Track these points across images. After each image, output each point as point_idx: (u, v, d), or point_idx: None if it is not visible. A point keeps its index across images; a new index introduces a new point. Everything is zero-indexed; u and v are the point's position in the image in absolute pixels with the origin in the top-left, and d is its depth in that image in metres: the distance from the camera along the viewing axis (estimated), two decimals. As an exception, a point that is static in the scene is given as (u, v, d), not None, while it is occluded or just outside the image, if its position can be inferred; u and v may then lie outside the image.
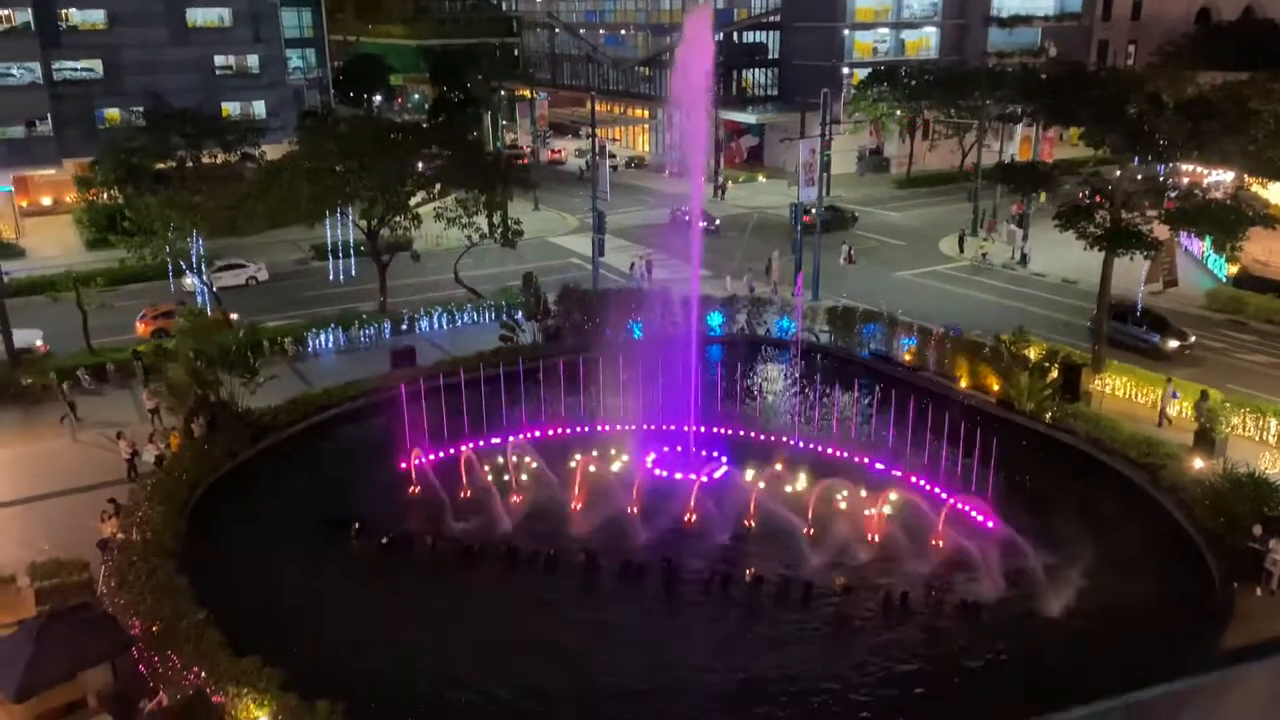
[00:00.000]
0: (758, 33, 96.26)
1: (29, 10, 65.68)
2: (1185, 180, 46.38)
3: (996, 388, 36.35)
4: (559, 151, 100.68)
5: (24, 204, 70.31)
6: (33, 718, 20.62)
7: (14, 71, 66.87)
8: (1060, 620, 24.88)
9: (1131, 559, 27.35)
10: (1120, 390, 37.73)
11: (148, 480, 29.54)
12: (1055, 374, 35.42)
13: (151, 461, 31.30)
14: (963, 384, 37.67)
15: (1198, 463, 30.32)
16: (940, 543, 27.81)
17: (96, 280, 45.78)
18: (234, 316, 43.84)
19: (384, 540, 28.18)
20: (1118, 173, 38.88)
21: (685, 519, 29.17)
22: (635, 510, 29.31)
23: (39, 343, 42.87)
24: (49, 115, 67.65)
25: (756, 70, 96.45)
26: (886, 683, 22.77)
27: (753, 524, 28.88)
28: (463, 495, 30.64)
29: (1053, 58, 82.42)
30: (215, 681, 20.48)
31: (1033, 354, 36.72)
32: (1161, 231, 39.68)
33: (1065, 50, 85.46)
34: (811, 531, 28.29)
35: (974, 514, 28.70)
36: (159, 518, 26.94)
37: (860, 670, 23.17)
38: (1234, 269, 51.75)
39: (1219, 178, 57.08)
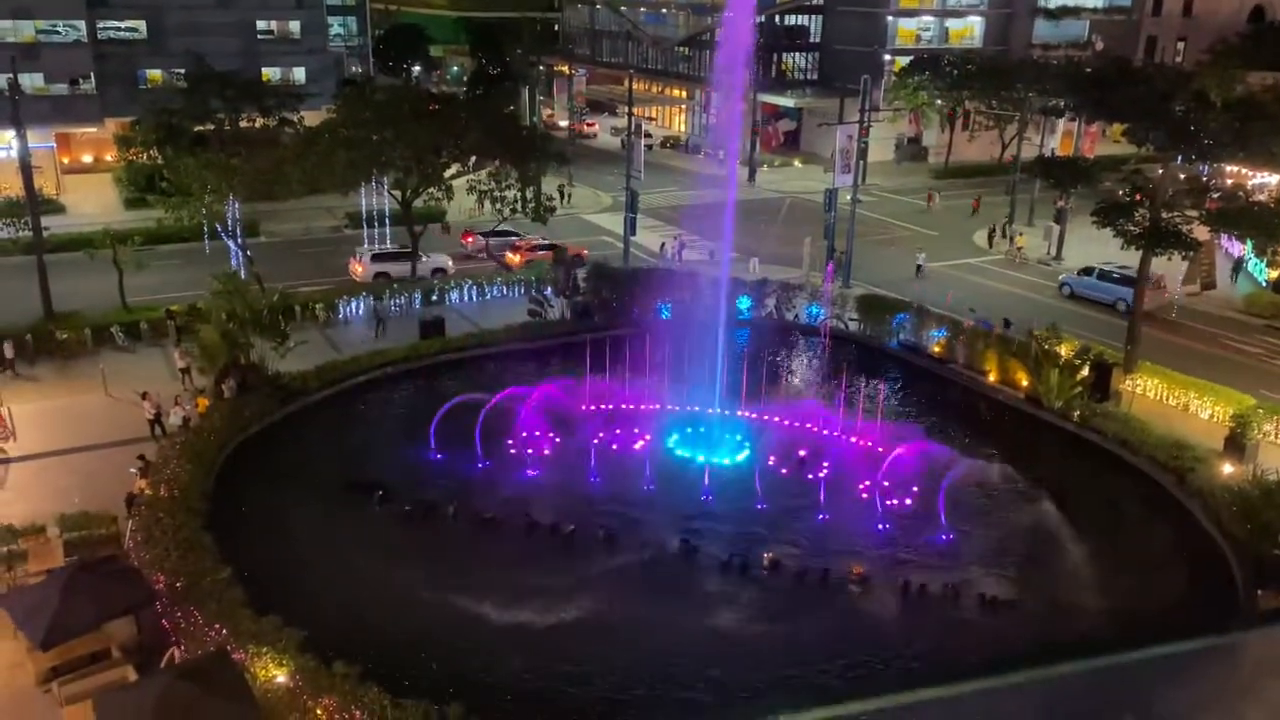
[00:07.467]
0: (799, 16, 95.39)
1: (76, -31, 66.27)
2: (1229, 181, 45.67)
3: (1025, 384, 36.08)
4: (593, 124, 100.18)
5: (65, 161, 71.11)
6: (57, 665, 21.07)
7: (60, 29, 67.47)
8: (1075, 616, 24.79)
9: (1154, 561, 27.15)
10: (1152, 391, 37.31)
11: (177, 439, 29.94)
12: (1086, 372, 35.11)
13: (177, 423, 31.68)
14: (991, 378, 37.40)
15: (1227, 468, 29.99)
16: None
17: (133, 239, 46.16)
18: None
19: (406, 508, 28.56)
20: (1160, 171, 38.31)
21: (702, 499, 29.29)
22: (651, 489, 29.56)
23: (450, 265, 50.44)
24: (92, 74, 68.31)
25: (796, 54, 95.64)
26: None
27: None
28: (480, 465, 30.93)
29: (1099, 51, 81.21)
30: (236, 639, 20.79)
31: (1064, 351, 36.36)
32: (1201, 233, 39.11)
33: (1112, 44, 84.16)
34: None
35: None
36: (187, 476, 27.34)
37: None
38: (1274, 273, 50.93)
39: (1264, 180, 56.06)
